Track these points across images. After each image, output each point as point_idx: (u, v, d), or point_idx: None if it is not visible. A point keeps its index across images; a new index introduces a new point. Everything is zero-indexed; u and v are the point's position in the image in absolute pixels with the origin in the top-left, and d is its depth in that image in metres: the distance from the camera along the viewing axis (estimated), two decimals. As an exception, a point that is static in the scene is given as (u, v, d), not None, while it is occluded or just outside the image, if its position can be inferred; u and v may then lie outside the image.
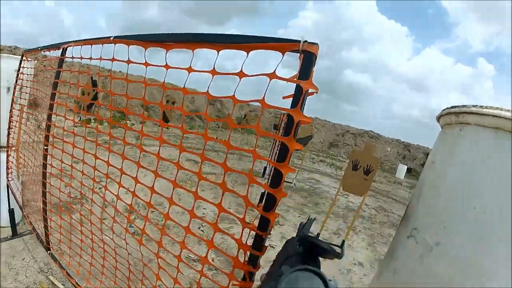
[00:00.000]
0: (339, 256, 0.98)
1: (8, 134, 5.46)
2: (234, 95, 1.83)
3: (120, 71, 2.91)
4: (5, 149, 5.64)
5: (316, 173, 20.76)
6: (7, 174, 5.57)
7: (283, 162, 1.57)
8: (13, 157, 5.74)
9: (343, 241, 6.14)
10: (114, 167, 3.02)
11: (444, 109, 1.66)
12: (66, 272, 3.94)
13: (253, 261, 1.79)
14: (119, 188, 3.02)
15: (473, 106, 1.43)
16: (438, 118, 1.77)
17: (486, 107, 1.36)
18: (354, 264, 8.77)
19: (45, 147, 3.89)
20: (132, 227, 7.18)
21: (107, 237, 3.50)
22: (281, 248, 1.22)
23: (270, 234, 1.66)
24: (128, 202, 3.07)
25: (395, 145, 37.31)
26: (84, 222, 3.76)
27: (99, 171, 3.18)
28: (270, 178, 1.64)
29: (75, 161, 3.58)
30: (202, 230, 8.85)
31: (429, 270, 1.42)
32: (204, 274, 2.38)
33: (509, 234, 1.23)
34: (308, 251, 1.15)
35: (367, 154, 8.69)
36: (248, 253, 1.81)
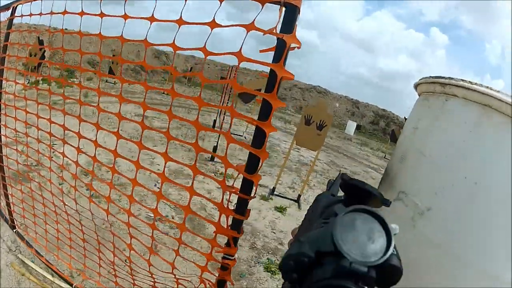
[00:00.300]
0: (387, 203, 0.88)
1: None
2: (174, 42, 1.77)
3: (65, 29, 2.78)
4: None
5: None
6: None
7: (266, 121, 1.50)
8: None
9: (299, 196, 6.28)
10: (68, 129, 2.90)
11: (427, 77, 1.69)
12: (35, 250, 3.87)
13: (237, 226, 1.76)
14: (77, 151, 2.92)
15: (462, 80, 1.46)
16: (417, 85, 1.80)
17: (475, 84, 1.41)
18: (313, 219, 8.91)
19: None
20: (88, 190, 7.04)
21: (67, 205, 3.41)
22: (312, 204, 1.12)
23: (254, 197, 1.62)
24: (83, 164, 2.99)
25: (344, 102, 37.87)
26: (43, 191, 3.64)
27: (52, 135, 3.06)
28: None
29: (28, 127, 3.39)
30: (158, 188, 8.75)
31: (421, 234, 1.43)
32: (164, 233, 2.36)
33: (500, 203, 1.28)
34: (352, 197, 1.02)
35: (320, 110, 8.82)
36: (231, 217, 1.78)
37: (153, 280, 2.95)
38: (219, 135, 11.83)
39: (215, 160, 11.52)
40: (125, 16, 2.02)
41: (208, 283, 2.18)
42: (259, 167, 1.54)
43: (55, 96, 3.07)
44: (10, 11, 3.37)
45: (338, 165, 15.33)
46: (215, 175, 10.29)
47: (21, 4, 3.17)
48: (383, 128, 35.74)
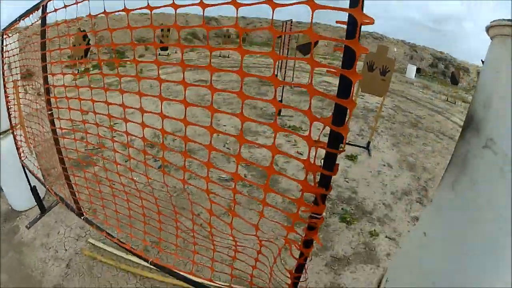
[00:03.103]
0: None
1: (9, 115, 5.27)
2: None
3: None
4: (10, 133, 5.51)
5: (327, 76, 20.46)
6: (19, 155, 5.43)
7: (351, 69, 1.34)
8: (20, 135, 5.58)
9: (369, 142, 6.12)
10: (128, 107, 2.83)
11: (501, 20, 1.55)
12: (105, 232, 3.82)
13: (326, 183, 1.62)
14: (142, 126, 2.81)
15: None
16: (489, 27, 1.66)
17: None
18: (383, 165, 8.86)
19: (49, 112, 3.70)
20: (157, 161, 7.14)
21: (137, 181, 3.37)
22: None
23: (344, 150, 1.47)
24: (147, 138, 2.91)
25: (401, 46, 36.66)
26: (108, 173, 3.61)
27: (112, 116, 3.00)
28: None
29: (84, 115, 3.35)
30: (228, 148, 8.90)
31: (506, 179, 1.31)
32: (239, 192, 2.25)
33: None
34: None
35: (381, 55, 8.60)
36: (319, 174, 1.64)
37: (234, 244, 2.88)
38: (283, 89, 11.66)
39: (281, 114, 11.45)
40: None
41: (294, 244, 2.06)
42: (347, 119, 1.38)
43: (108, 78, 2.99)
44: (40, 9, 3.32)
45: (403, 109, 14.92)
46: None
47: (50, 0, 3.11)
48: (442, 70, 34.53)
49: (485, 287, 1.45)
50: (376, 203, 7.25)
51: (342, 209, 6.81)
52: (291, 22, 13.37)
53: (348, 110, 1.37)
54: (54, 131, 3.78)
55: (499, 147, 1.35)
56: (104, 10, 2.60)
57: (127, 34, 2.43)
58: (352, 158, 9.07)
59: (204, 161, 2.36)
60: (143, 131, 2.72)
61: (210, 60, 2.02)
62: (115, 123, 6.26)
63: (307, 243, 1.93)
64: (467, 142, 1.57)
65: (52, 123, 3.74)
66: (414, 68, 29.29)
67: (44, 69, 3.55)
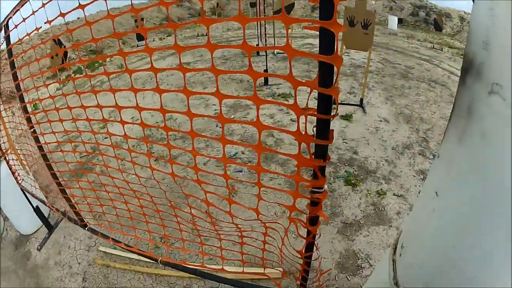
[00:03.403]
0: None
1: None
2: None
3: (78, 18, 2.49)
4: (3, 159, 5.37)
5: (308, 37, 20.47)
6: (16, 179, 5.29)
7: (331, 19, 1.13)
8: (13, 159, 5.50)
9: (361, 99, 5.97)
10: (124, 107, 2.61)
11: None
12: (111, 238, 3.74)
13: (322, 153, 1.46)
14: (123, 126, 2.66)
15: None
16: None
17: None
18: (380, 121, 8.79)
19: (31, 130, 3.61)
20: (153, 153, 7.08)
21: (131, 182, 3.26)
22: None
23: (337, 115, 1.30)
24: (137, 135, 2.77)
25: (379, -2, 36.35)
26: (102, 179, 3.52)
27: (106, 120, 2.84)
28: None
29: (73, 123, 3.20)
30: (219, 127, 8.68)
31: None
32: (239, 180, 2.09)
33: None
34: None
35: (360, 9, 8.42)
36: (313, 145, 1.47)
37: (239, 230, 2.80)
38: (266, 58, 11.50)
39: (269, 83, 11.35)
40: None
41: (300, 223, 1.91)
42: (336, 78, 1.21)
43: (90, 80, 2.80)
44: (3, 30, 3.24)
45: (391, 61, 14.75)
46: (273, 98, 10.28)
47: (10, 18, 3.00)
48: (424, 18, 34.22)
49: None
50: (379, 161, 7.15)
51: (345, 171, 6.71)
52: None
53: (335, 67, 1.19)
54: (40, 148, 3.68)
55: (508, 92, 1.15)
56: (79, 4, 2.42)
57: (101, 33, 2.25)
58: (347, 117, 8.94)
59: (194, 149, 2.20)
60: (141, 126, 2.56)
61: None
62: (103, 127, 6.13)
63: (313, 220, 1.79)
64: (470, 90, 1.38)
65: (36, 140, 3.63)
66: (396, 18, 28.90)
67: (18, 87, 3.47)
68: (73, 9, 2.17)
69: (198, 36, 23.26)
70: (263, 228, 2.52)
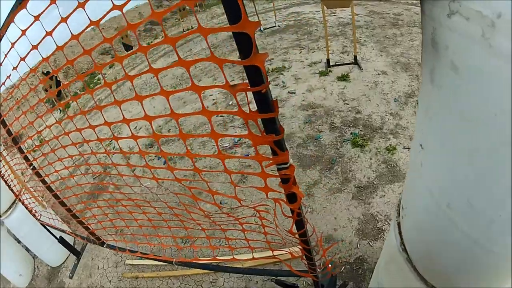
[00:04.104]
0: None
1: (9, 187, 5.18)
2: None
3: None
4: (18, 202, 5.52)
5: (293, 6, 20.22)
6: (34, 216, 5.34)
7: None
8: (27, 198, 5.48)
9: (355, 56, 5.79)
10: (132, 119, 2.56)
11: None
12: (128, 250, 3.81)
13: (273, 127, 1.33)
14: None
15: None
16: None
17: None
18: (378, 74, 8.62)
19: (31, 168, 3.72)
20: (160, 158, 7.05)
21: (140, 193, 3.26)
22: None
23: (269, 83, 1.17)
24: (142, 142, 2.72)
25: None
26: (121, 188, 3.56)
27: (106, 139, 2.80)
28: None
29: (80, 146, 3.20)
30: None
31: (492, 48, 0.91)
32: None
33: None
34: None
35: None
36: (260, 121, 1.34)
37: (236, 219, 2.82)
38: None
39: None
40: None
41: (278, 202, 1.81)
42: (253, 44, 1.07)
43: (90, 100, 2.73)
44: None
45: (379, 12, 14.43)
46: (267, 73, 10.10)
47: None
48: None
49: (499, 198, 1.15)
50: (383, 116, 7.00)
51: (351, 133, 6.60)
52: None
53: (250, 33, 1.06)
54: (43, 181, 3.74)
55: (469, 8, 0.98)
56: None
57: (87, 57, 2.15)
58: (344, 78, 8.77)
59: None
60: (154, 137, 2.49)
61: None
62: (109, 144, 6.25)
63: (290, 198, 1.67)
64: (430, 18, 1.22)
65: (38, 175, 3.74)
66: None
67: (9, 132, 3.51)
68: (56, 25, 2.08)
69: (183, 31, 23.20)
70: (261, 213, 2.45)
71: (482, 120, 1.07)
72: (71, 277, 5.72)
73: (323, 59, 10.00)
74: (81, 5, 1.67)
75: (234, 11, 1.05)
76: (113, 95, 2.33)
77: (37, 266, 6.28)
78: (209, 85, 1.53)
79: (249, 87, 1.19)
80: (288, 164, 1.46)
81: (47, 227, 5.43)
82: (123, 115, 2.32)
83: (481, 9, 0.93)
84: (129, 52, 2.00)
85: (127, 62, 18.91)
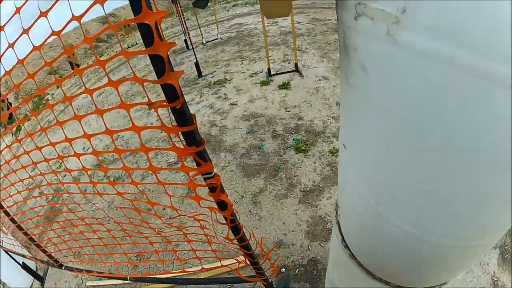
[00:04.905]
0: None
1: None
2: None
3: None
4: None
5: (235, 18, 20.41)
6: None
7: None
8: None
9: (296, 64, 5.90)
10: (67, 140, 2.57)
11: None
12: (85, 270, 3.86)
13: (193, 140, 1.41)
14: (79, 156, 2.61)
15: None
16: None
17: None
18: (319, 80, 8.76)
19: None
20: (110, 176, 7.01)
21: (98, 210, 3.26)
22: None
23: (182, 98, 1.25)
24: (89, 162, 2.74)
25: (292, -43, 36.13)
26: (74, 209, 3.54)
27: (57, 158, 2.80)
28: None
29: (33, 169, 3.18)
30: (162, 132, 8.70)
31: (409, 46, 0.94)
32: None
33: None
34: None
35: (272, -26, 8.27)
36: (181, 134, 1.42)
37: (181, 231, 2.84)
38: (194, 51, 11.39)
39: (202, 74, 11.48)
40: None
41: (212, 211, 1.87)
42: (166, 65, 1.15)
43: (40, 120, 2.73)
44: None
45: (321, 19, 14.66)
46: (209, 87, 10.38)
47: None
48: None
49: (425, 190, 1.20)
50: (325, 120, 7.12)
51: (293, 140, 6.66)
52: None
53: (162, 55, 1.14)
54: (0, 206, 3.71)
55: (372, 8, 1.00)
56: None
57: (38, 77, 2.13)
58: (285, 86, 8.88)
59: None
60: (94, 154, 2.49)
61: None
62: (59, 165, 6.21)
63: (220, 205, 1.75)
64: (340, 22, 1.26)
65: None
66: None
67: None
68: None
69: (128, 47, 22.97)
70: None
71: (395, 117, 1.12)
72: (38, 303, 5.55)
73: (264, 69, 10.11)
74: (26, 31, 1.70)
75: (147, 35, 1.12)
76: (55, 117, 2.35)
77: (9, 296, 6.15)
78: (139, 102, 1.60)
79: (166, 103, 1.27)
80: (213, 174, 1.53)
81: (10, 253, 5.35)
82: (65, 135, 2.33)
83: (384, 7, 0.96)
84: (67, 75, 2.02)
85: (74, 82, 18.56)
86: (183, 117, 1.32)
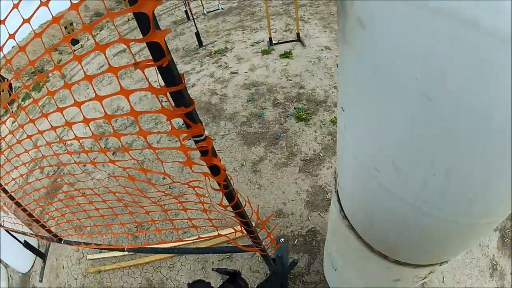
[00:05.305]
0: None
1: None
2: None
3: (12, 47, 2.29)
4: None
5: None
6: None
7: None
8: None
9: (298, 34, 5.76)
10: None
11: None
12: (83, 243, 3.88)
13: (182, 100, 1.33)
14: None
15: None
16: None
17: None
18: (321, 50, 8.64)
19: None
20: (114, 153, 7.04)
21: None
22: None
23: (169, 55, 1.18)
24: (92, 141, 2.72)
25: None
26: (74, 184, 3.55)
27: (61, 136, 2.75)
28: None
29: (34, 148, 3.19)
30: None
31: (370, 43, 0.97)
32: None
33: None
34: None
35: None
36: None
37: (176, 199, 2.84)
38: (194, 21, 11.23)
39: (203, 44, 11.33)
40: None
41: (205, 175, 1.81)
42: (151, 22, 1.09)
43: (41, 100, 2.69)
44: None
45: (324, -11, 14.49)
46: (210, 57, 10.35)
47: None
48: None
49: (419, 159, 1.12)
50: (327, 89, 7.04)
51: (294, 108, 6.61)
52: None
53: (147, 12, 1.07)
54: (4, 190, 3.79)
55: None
56: None
57: (38, 52, 2.07)
58: (287, 55, 8.75)
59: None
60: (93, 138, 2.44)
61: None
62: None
63: (213, 170, 1.69)
64: None
65: None
66: None
67: None
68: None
69: (129, 20, 22.82)
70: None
71: (395, 77, 1.03)
72: (41, 281, 5.66)
73: (265, 38, 9.97)
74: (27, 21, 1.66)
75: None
76: (54, 101, 2.29)
77: (10, 276, 6.16)
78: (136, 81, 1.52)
79: (152, 63, 1.20)
80: (204, 136, 1.47)
81: (11, 232, 5.38)
82: (65, 119, 2.30)
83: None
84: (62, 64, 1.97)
85: (79, 52, 18.44)
86: (171, 76, 1.26)
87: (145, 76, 1.35)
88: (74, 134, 2.39)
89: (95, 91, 1.74)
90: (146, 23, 1.10)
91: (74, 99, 1.91)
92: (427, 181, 1.19)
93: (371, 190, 1.52)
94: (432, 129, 1.02)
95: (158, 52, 1.17)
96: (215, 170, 1.68)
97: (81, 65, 1.69)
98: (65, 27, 19.81)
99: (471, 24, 0.70)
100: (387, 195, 1.41)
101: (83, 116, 2.01)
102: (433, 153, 1.09)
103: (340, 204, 2.08)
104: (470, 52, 0.75)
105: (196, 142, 1.49)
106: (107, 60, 1.42)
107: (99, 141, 6.87)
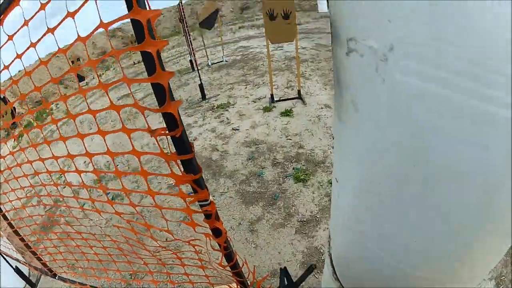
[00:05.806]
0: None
1: None
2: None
3: (19, 71, 2.40)
4: None
5: (241, 40, 20.56)
6: None
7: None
8: None
9: (299, 91, 5.94)
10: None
11: None
12: (78, 283, 3.88)
13: (191, 167, 1.44)
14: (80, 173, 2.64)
15: None
16: None
17: None
18: (321, 108, 8.78)
19: None
20: (109, 193, 7.03)
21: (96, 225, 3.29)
22: None
23: (182, 127, 1.29)
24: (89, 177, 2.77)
25: (301, -16, 36.43)
26: (71, 222, 3.57)
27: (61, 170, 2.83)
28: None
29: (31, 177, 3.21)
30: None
31: (396, 85, 0.93)
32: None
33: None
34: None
35: (279, 1, 8.35)
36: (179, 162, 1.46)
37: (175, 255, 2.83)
38: (199, 73, 11.43)
39: (206, 98, 11.50)
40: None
41: (207, 237, 1.90)
42: (167, 94, 1.20)
43: (43, 130, 2.77)
44: None
45: (326, 45, 14.63)
46: (213, 111, 10.38)
47: None
48: (353, -6, 34.24)
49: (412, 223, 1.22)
50: (325, 149, 7.13)
51: (293, 169, 6.67)
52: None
53: (163, 84, 1.18)
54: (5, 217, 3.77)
55: (364, 45, 1.02)
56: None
57: (42, 83, 2.17)
58: (287, 113, 8.91)
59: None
60: (94, 173, 2.52)
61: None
62: (60, 176, 6.20)
63: (215, 232, 1.77)
64: (335, 57, 1.27)
65: None
66: (325, 1, 29.01)
67: None
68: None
69: (134, 64, 23.23)
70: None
71: (383, 154, 1.14)
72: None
73: (267, 95, 10.16)
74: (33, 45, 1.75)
75: (150, 65, 1.18)
76: (58, 131, 2.39)
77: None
78: (138, 127, 1.62)
79: (167, 132, 1.31)
80: (209, 201, 1.56)
81: (4, 256, 5.34)
82: (67, 151, 2.36)
83: (373, 43, 0.95)
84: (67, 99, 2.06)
85: (78, 96, 18.60)
86: (182, 145, 1.36)
87: (157, 143, 1.45)
88: (75, 166, 2.45)
89: (99, 129, 1.83)
90: (162, 94, 1.21)
91: (77, 130, 1.99)
92: (409, 246, 1.29)
93: (360, 254, 1.61)
94: (414, 204, 1.15)
95: (172, 122, 1.28)
96: (217, 232, 1.77)
97: (84, 97, 1.79)
98: (72, 61, 20.17)
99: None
100: (374, 258, 1.49)
101: (86, 149, 2.07)
102: (414, 224, 1.20)
103: (333, 267, 2.14)
104: (454, 134, 0.89)
105: (201, 206, 1.59)
106: (121, 121, 1.52)
107: (98, 187, 6.92)
